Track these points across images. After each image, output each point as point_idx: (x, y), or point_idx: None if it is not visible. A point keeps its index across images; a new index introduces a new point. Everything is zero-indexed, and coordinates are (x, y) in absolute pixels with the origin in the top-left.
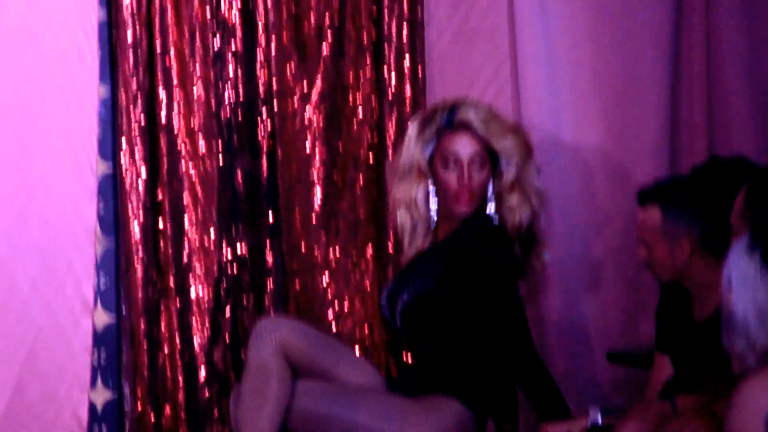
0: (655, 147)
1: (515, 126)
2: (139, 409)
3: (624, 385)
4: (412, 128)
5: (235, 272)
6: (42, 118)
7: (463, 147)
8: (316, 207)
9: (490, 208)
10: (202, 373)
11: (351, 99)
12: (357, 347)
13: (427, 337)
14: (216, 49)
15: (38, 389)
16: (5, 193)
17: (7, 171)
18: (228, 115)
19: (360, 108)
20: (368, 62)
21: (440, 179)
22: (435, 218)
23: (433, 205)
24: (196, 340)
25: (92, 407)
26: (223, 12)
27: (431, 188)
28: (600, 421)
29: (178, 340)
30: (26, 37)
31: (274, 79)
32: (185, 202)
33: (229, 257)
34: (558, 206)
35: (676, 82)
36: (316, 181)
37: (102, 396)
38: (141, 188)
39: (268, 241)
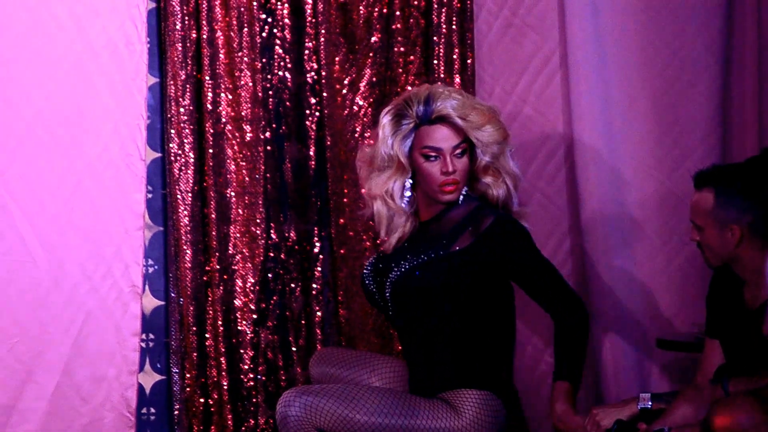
0: (706, 138)
1: (491, 114)
2: (188, 391)
3: (672, 371)
4: (387, 122)
5: (283, 258)
6: (92, 107)
7: (444, 140)
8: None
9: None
10: (249, 357)
11: (399, 89)
12: None
13: (428, 321)
14: (264, 38)
15: (87, 372)
16: (55, 179)
17: (58, 158)
18: (276, 103)
19: None
20: (417, 52)
21: (423, 172)
22: (409, 209)
23: (407, 194)
24: (243, 325)
25: (141, 389)
26: (271, 1)
27: (408, 182)
28: (650, 406)
29: (225, 325)
30: (76, 26)
31: (322, 68)
32: (233, 189)
33: (277, 243)
34: (606, 195)
35: (726, 74)
36: None
37: (151, 379)
38: (189, 175)
39: (316, 227)
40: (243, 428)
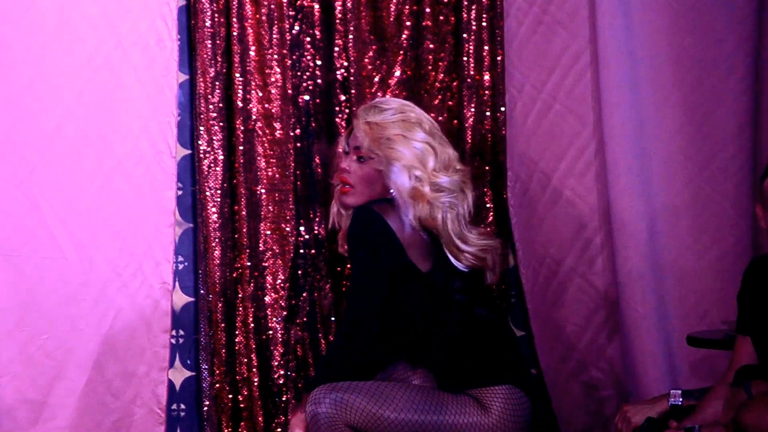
0: (737, 135)
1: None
2: (217, 388)
3: (703, 368)
4: None
5: (313, 254)
6: (122, 104)
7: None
8: None
9: None
10: (279, 354)
11: (429, 86)
12: None
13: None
14: (294, 35)
15: (117, 368)
16: (86, 177)
17: (88, 156)
18: (306, 101)
19: (438, 94)
20: (447, 49)
21: None
22: None
23: None
24: (273, 322)
25: (171, 386)
26: None
27: None
28: (681, 403)
29: (255, 322)
30: (107, 24)
31: (352, 65)
32: (263, 186)
33: (307, 240)
34: (636, 192)
35: (758, 71)
36: None
37: (180, 375)
38: (218, 172)
39: None
40: (273, 425)
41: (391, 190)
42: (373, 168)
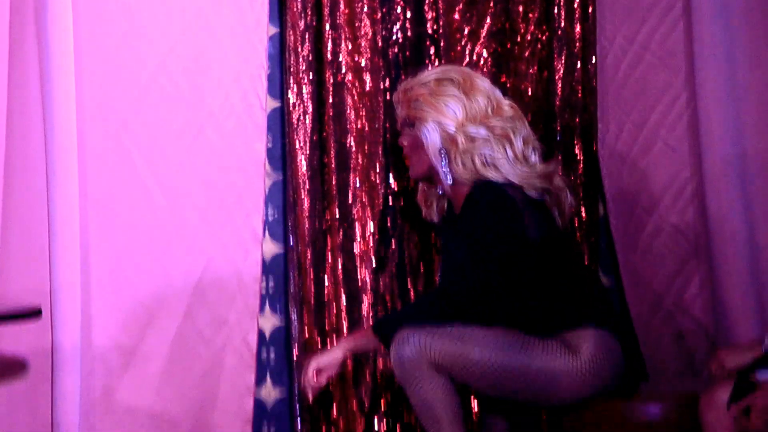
0: None
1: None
2: (306, 335)
3: None
4: None
5: (402, 205)
6: (214, 57)
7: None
8: None
9: None
10: (368, 303)
11: (520, 38)
12: None
13: None
14: None
15: (208, 316)
16: (178, 129)
17: (180, 108)
18: (395, 53)
19: (528, 46)
20: (537, 2)
21: None
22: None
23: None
24: (362, 271)
25: (261, 333)
26: None
27: None
28: None
29: (344, 271)
30: None
31: (441, 17)
32: (353, 138)
33: (395, 190)
34: (728, 143)
35: None
36: None
37: (270, 322)
38: (308, 124)
39: None
40: (361, 372)
41: (428, 150)
42: (416, 135)
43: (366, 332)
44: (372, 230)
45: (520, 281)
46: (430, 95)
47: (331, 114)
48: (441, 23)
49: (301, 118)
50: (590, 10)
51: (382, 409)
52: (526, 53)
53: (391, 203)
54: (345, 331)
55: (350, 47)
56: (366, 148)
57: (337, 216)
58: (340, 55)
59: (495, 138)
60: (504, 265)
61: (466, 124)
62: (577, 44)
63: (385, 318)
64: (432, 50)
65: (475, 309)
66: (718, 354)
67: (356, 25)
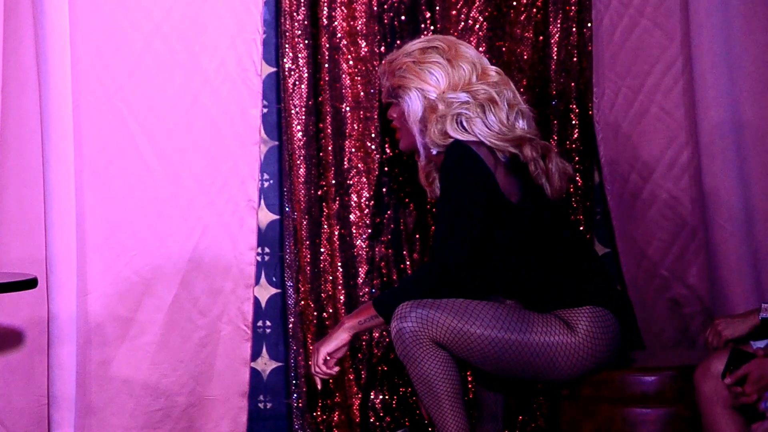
0: None
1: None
2: (302, 305)
3: None
4: None
5: (397, 172)
6: (209, 21)
7: None
8: None
9: None
10: (363, 271)
11: (515, 1)
12: None
13: None
14: None
15: (204, 285)
16: (173, 94)
17: (175, 73)
18: (391, 18)
19: (524, 10)
20: None
21: None
22: None
23: None
24: (357, 239)
25: (257, 303)
26: None
27: None
28: None
29: (340, 239)
30: None
31: None
32: (348, 104)
33: (392, 157)
34: (726, 107)
35: None
36: None
37: (266, 292)
38: (303, 90)
39: None
40: (358, 343)
41: (410, 118)
42: (401, 106)
43: (367, 308)
44: (368, 198)
45: (508, 248)
46: (414, 63)
47: (326, 79)
48: None
49: (297, 83)
50: None
51: (379, 381)
52: (522, 17)
53: (386, 170)
54: (341, 300)
55: (345, 12)
56: (361, 114)
57: (333, 183)
58: (335, 20)
59: (476, 102)
60: (485, 225)
61: (447, 91)
62: (573, 8)
63: (384, 293)
64: (428, 15)
65: (466, 275)
66: (715, 323)
67: None
